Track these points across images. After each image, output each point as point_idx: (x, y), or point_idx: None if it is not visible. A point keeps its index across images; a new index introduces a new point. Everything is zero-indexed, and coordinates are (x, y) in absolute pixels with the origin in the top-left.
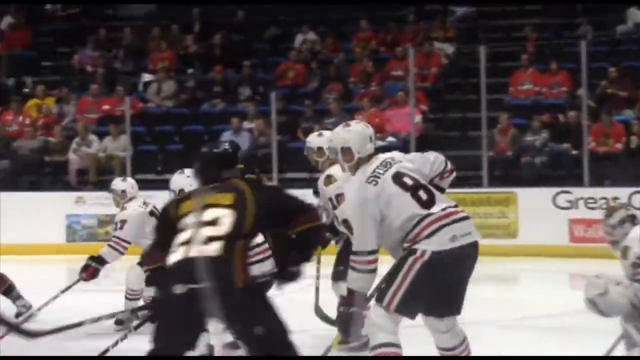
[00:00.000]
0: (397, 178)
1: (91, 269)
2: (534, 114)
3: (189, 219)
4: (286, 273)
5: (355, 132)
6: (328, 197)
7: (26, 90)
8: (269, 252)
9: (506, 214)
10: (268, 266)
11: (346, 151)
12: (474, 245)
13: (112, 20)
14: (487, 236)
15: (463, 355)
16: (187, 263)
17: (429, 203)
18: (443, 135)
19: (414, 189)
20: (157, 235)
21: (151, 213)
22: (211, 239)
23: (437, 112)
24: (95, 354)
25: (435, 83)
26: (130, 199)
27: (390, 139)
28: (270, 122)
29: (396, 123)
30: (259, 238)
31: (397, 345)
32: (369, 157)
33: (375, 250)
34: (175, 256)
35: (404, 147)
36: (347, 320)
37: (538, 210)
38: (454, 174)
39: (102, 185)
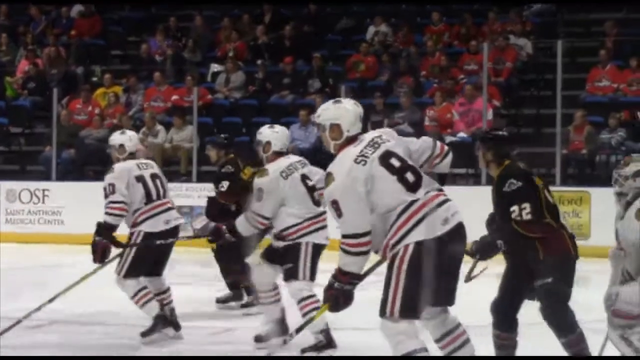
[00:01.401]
0: (385, 159)
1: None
2: (611, 111)
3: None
4: None
5: (346, 109)
6: None
7: (94, 78)
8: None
9: (579, 213)
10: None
11: (335, 128)
12: (462, 227)
13: (182, 9)
14: None
15: (453, 346)
16: None
17: (415, 186)
18: (516, 132)
19: (400, 171)
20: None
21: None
22: None
23: (510, 108)
24: None
25: (509, 78)
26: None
27: (462, 134)
28: None
29: (468, 118)
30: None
31: (427, 349)
32: (356, 137)
33: (367, 233)
34: None
35: (475, 143)
36: (338, 296)
37: (612, 210)
38: (450, 156)
39: (168, 176)
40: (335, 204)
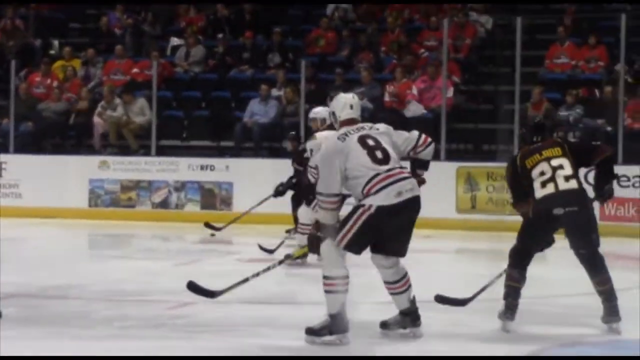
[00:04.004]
0: (362, 139)
1: None
2: (569, 88)
3: (541, 167)
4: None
5: (337, 100)
6: None
7: (52, 51)
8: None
9: None
10: None
11: (332, 115)
12: (416, 200)
13: None
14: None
15: (403, 288)
16: (561, 194)
17: (381, 161)
18: (475, 108)
19: (372, 148)
20: (513, 184)
21: None
22: (568, 178)
23: (469, 84)
24: None
25: (469, 55)
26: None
27: (415, 108)
28: (299, 90)
29: (427, 94)
30: None
31: (347, 276)
32: (350, 122)
33: (337, 194)
34: (545, 190)
35: (435, 119)
36: (316, 242)
37: None
38: (432, 146)
39: (125, 150)
40: (315, 168)
